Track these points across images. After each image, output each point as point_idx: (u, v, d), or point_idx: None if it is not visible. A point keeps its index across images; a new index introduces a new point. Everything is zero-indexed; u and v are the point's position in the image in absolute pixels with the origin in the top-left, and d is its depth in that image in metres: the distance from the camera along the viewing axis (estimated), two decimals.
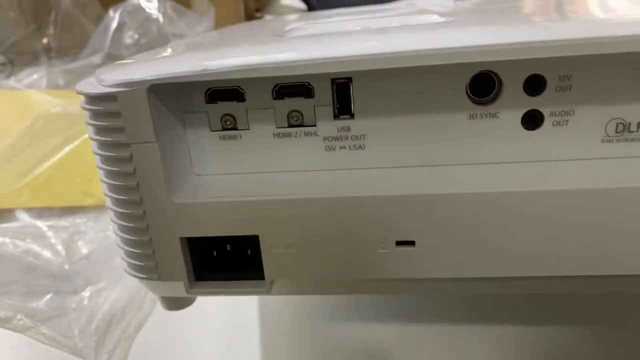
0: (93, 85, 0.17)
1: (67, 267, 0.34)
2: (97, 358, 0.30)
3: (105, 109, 0.17)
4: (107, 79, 0.16)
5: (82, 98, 0.17)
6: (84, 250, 0.36)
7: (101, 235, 0.36)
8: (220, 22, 0.50)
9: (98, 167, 0.18)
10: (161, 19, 0.46)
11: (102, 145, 0.17)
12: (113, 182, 0.18)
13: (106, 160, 0.18)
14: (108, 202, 0.19)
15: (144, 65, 0.17)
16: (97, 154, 0.18)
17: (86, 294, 0.33)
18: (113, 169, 0.18)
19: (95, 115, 0.17)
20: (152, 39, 0.45)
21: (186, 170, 0.19)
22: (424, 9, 0.30)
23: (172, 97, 0.18)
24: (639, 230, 0.17)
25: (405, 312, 0.30)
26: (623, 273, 0.17)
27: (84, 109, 0.17)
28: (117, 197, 0.18)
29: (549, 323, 0.28)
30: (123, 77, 0.16)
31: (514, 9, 0.23)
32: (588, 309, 0.29)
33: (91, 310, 0.32)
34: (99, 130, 0.17)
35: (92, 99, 0.17)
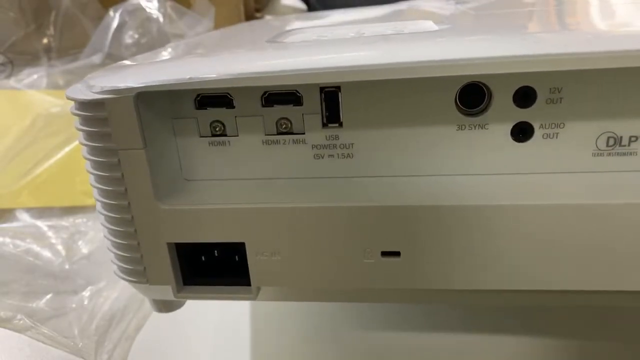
0: (82, 91, 0.17)
1: (67, 267, 0.34)
2: (97, 358, 0.30)
3: (94, 115, 0.17)
4: (96, 85, 0.17)
5: (72, 103, 0.17)
6: (84, 250, 0.36)
7: (101, 235, 0.36)
8: (220, 22, 0.50)
9: (88, 171, 0.18)
10: (161, 19, 0.46)
11: (91, 150, 0.18)
12: (102, 187, 0.18)
13: (95, 165, 0.18)
14: (98, 206, 0.19)
15: (132, 72, 0.17)
16: (87, 159, 0.18)
17: (86, 294, 0.33)
18: (102, 174, 0.18)
19: (84, 121, 0.17)
20: (152, 39, 0.45)
21: (175, 176, 0.19)
22: (421, 13, 0.30)
23: (161, 103, 0.18)
24: (628, 245, 0.16)
25: (399, 320, 0.29)
26: (611, 289, 0.17)
27: (74, 114, 0.17)
28: (106, 201, 0.18)
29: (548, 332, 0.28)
30: (111, 84, 0.16)
31: (511, 17, 0.23)
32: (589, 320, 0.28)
33: (91, 310, 0.32)
34: (88, 135, 0.17)
35: (81, 105, 0.17)
